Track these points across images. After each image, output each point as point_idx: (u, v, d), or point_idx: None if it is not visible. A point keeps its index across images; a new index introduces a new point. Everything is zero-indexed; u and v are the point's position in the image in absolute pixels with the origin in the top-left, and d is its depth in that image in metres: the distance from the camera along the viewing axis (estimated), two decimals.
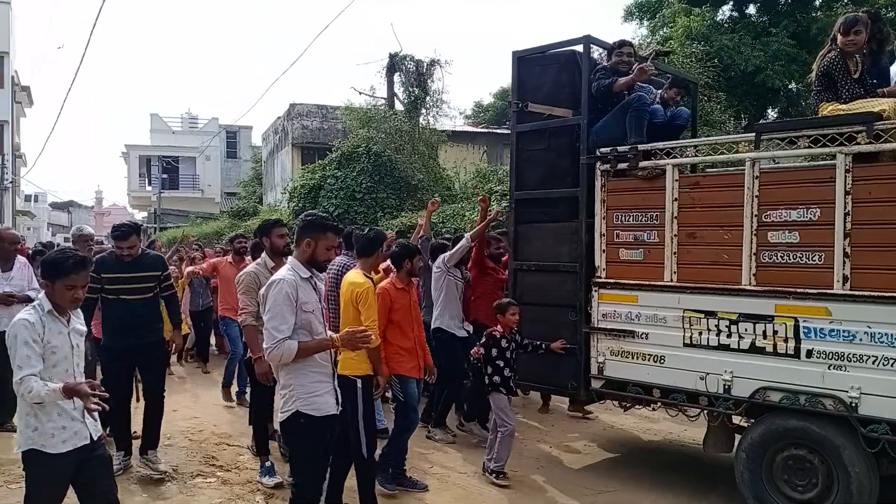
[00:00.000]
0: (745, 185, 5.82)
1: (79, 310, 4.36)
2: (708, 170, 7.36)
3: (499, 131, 31.41)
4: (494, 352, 6.75)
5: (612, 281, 6.66)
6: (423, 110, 24.53)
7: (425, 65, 24.38)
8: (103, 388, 3.99)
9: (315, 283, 4.70)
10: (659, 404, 6.66)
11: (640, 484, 6.77)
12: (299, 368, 4.50)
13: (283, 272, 4.58)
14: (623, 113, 6.77)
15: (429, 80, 24.42)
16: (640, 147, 6.50)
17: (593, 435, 8.53)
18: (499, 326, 6.84)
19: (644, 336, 6.41)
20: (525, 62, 7.51)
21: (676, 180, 6.24)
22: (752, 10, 23.91)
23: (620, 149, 6.58)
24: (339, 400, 4.77)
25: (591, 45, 7.23)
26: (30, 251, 10.93)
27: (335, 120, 28.39)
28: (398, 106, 25.03)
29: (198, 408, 9.73)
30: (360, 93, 25.79)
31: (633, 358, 6.48)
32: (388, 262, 6.88)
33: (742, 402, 5.86)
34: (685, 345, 6.16)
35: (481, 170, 23.36)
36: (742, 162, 5.96)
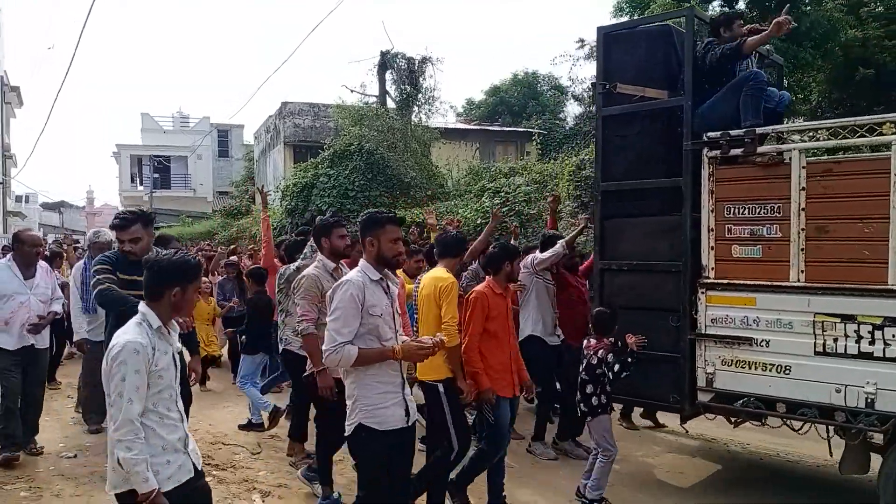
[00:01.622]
0: (892, 172, 4.74)
1: (174, 322, 3.57)
2: (841, 154, 6.12)
3: (491, 128, 30.36)
4: (599, 371, 5.57)
5: (723, 281, 5.53)
6: (416, 108, 23.55)
7: (417, 62, 23.36)
8: None
9: (387, 286, 4.17)
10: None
11: None
12: (363, 378, 4.01)
13: (352, 274, 4.16)
14: (736, 92, 5.68)
15: (420, 78, 23.40)
16: (759, 130, 5.39)
17: (673, 446, 7.43)
18: (601, 343, 5.65)
19: (764, 343, 5.29)
20: (612, 39, 6.38)
21: (804, 167, 5.13)
22: (742, 5, 23.04)
23: (734, 133, 5.46)
24: (411, 411, 4.16)
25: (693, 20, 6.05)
26: (47, 254, 9.83)
27: (327, 118, 27.09)
28: (390, 104, 23.99)
29: (192, 408, 8.55)
30: (352, 91, 24.82)
31: (750, 368, 5.36)
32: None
33: (889, 417, 4.79)
34: (817, 353, 5.07)
35: (474, 167, 22.51)
36: (887, 146, 4.85)
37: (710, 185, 5.59)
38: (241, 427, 7.96)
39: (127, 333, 3.26)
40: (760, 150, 5.33)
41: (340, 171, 20.84)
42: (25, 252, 6.81)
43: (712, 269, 5.59)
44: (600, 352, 5.55)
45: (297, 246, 7.17)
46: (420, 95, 23.48)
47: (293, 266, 6.44)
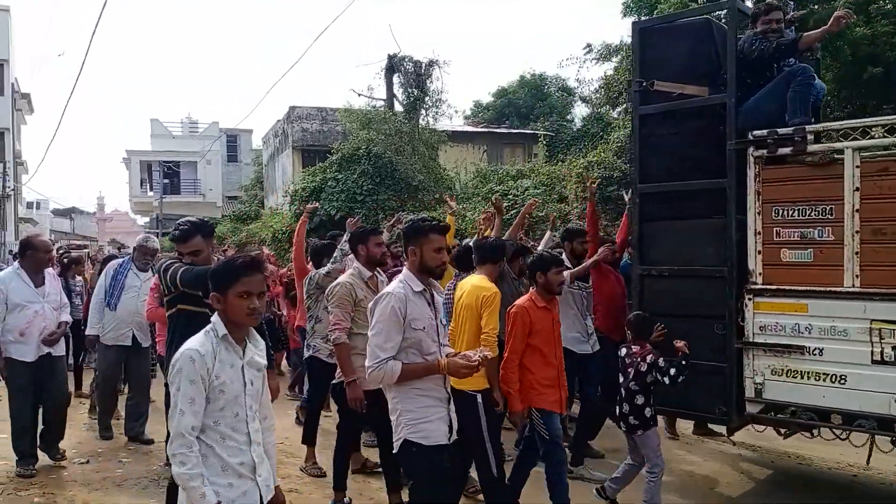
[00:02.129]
0: None
1: (258, 336, 3.27)
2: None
3: (498, 131, 29.96)
4: (650, 379, 5.14)
5: (772, 287, 5.17)
6: (423, 111, 23.21)
7: (424, 65, 23.04)
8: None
9: (431, 297, 3.92)
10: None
11: None
12: (406, 392, 3.77)
13: (393, 285, 3.89)
14: (782, 88, 5.31)
15: (427, 81, 23.09)
16: (809, 128, 5.04)
17: (714, 454, 7.02)
18: (646, 349, 5.26)
19: (817, 352, 4.94)
20: (648, 34, 6.05)
21: (857, 166, 4.78)
22: (748, 2, 22.68)
23: (781, 131, 5.11)
24: (454, 427, 3.91)
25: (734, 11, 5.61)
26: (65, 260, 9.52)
27: (335, 122, 26.73)
28: (397, 107, 23.65)
29: None
30: (359, 94, 24.44)
31: (802, 378, 5.00)
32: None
33: None
34: (874, 362, 4.71)
35: (482, 170, 22.19)
36: None
37: (757, 186, 5.23)
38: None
39: (191, 341, 3.01)
40: (811, 148, 4.98)
41: (349, 175, 20.48)
42: (39, 259, 6.42)
43: (760, 274, 5.23)
44: (649, 357, 5.13)
45: (323, 250, 6.81)
46: (427, 98, 23.17)
47: (322, 271, 6.24)
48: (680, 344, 5.03)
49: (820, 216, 4.95)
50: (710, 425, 7.18)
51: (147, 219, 47.72)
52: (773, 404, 5.21)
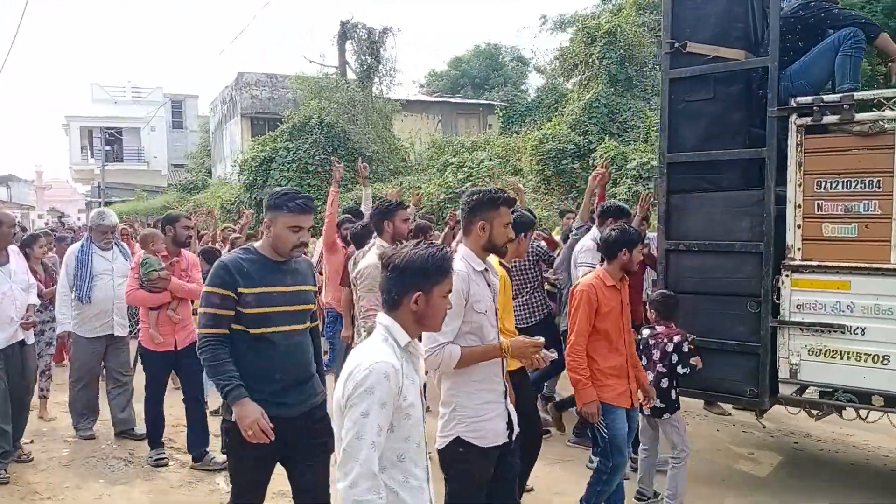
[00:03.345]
0: None
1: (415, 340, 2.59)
2: None
3: (453, 100, 29.28)
4: (675, 358, 4.76)
5: (811, 263, 4.76)
6: (376, 79, 22.49)
7: (378, 32, 22.31)
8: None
9: (489, 279, 3.46)
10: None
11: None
12: (465, 384, 3.32)
13: (454, 263, 3.07)
14: (830, 53, 4.90)
15: (381, 49, 22.35)
16: (857, 95, 4.63)
17: (735, 437, 6.60)
18: (672, 329, 4.87)
19: (859, 331, 4.57)
20: None
21: None
22: None
23: (827, 98, 4.69)
24: (513, 425, 3.45)
25: None
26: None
27: (285, 90, 25.75)
28: (350, 75, 22.84)
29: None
30: (311, 62, 23.60)
31: (841, 358, 4.64)
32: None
33: None
34: None
35: (437, 140, 21.68)
36: None
37: (799, 157, 4.79)
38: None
39: (373, 351, 2.33)
40: (858, 117, 4.56)
41: (300, 145, 19.79)
42: (3, 234, 5.59)
43: (799, 249, 4.82)
44: (676, 338, 4.76)
45: (365, 233, 6.00)
46: (381, 67, 22.47)
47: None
48: (695, 361, 4.71)
49: (866, 189, 4.55)
50: (720, 404, 6.84)
51: (88, 187, 45.46)
52: (809, 386, 4.85)
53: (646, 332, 4.98)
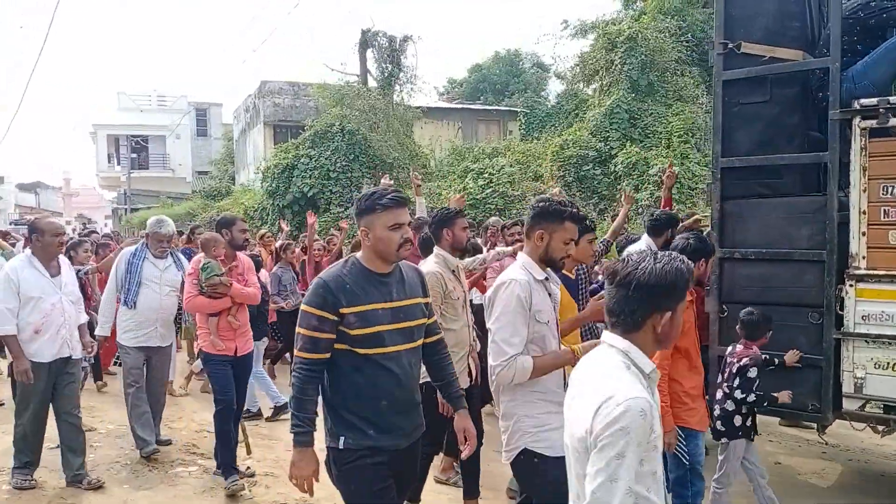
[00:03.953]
0: None
1: None
2: None
3: (473, 107, 29.14)
4: (737, 381, 4.47)
5: (877, 272, 4.51)
6: (397, 87, 22.51)
7: (398, 41, 22.36)
8: None
9: (550, 288, 3.38)
10: None
11: None
12: (526, 395, 3.21)
13: (514, 271, 3.30)
14: (894, 54, 4.74)
15: (402, 56, 22.39)
16: None
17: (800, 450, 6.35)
18: (748, 351, 4.56)
19: None
20: None
21: None
22: None
23: (893, 99, 4.47)
24: None
25: None
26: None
27: (307, 98, 25.75)
28: (371, 83, 22.85)
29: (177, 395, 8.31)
30: (333, 70, 23.66)
31: None
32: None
33: None
34: None
35: (457, 147, 21.62)
36: None
37: (863, 161, 4.54)
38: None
39: (624, 384, 2.01)
40: None
41: (322, 152, 19.78)
42: (46, 244, 5.35)
43: (863, 257, 4.57)
44: (743, 360, 4.47)
45: (431, 241, 5.53)
46: (402, 74, 22.50)
47: (467, 262, 5.52)
48: (783, 394, 4.45)
49: None
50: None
51: (114, 194, 46.00)
52: (875, 401, 4.59)
53: (728, 348, 4.71)
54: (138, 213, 33.30)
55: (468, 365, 4.61)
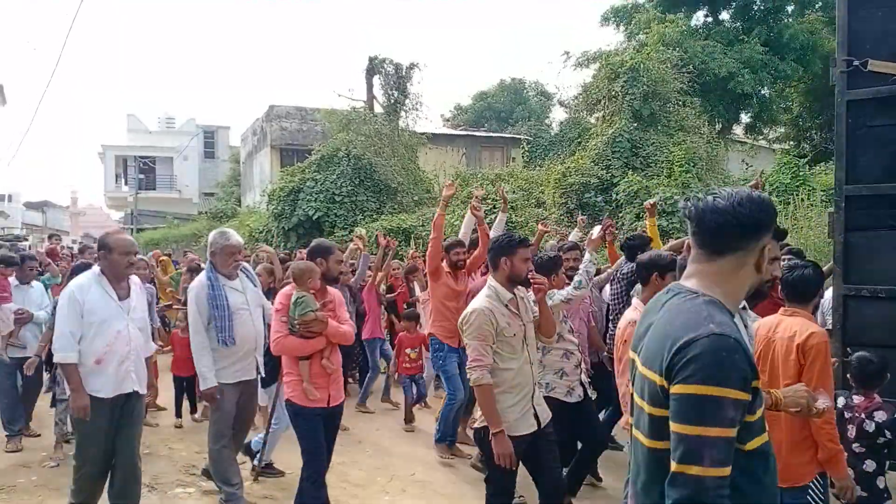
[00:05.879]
0: None
1: None
2: None
3: (477, 134, 29.32)
4: (881, 441, 3.92)
5: None
6: (403, 113, 22.68)
7: (405, 68, 22.51)
8: None
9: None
10: None
11: None
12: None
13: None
14: None
15: (408, 83, 22.56)
16: None
17: None
18: (873, 401, 4.00)
19: None
20: (860, 4, 4.85)
21: None
22: (725, 16, 22.45)
23: None
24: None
25: None
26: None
27: (314, 122, 26.03)
28: (377, 108, 23.05)
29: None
30: (340, 95, 23.83)
31: None
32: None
33: None
34: None
35: (461, 172, 21.74)
36: None
37: None
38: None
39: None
40: None
41: (328, 176, 19.96)
42: (115, 263, 4.59)
43: None
44: (877, 414, 3.90)
45: (552, 263, 5.26)
46: (408, 101, 22.67)
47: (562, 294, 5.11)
48: None
49: None
50: None
51: (121, 214, 46.28)
52: None
53: (841, 400, 4.09)
54: (144, 232, 33.44)
55: (533, 407, 4.19)
